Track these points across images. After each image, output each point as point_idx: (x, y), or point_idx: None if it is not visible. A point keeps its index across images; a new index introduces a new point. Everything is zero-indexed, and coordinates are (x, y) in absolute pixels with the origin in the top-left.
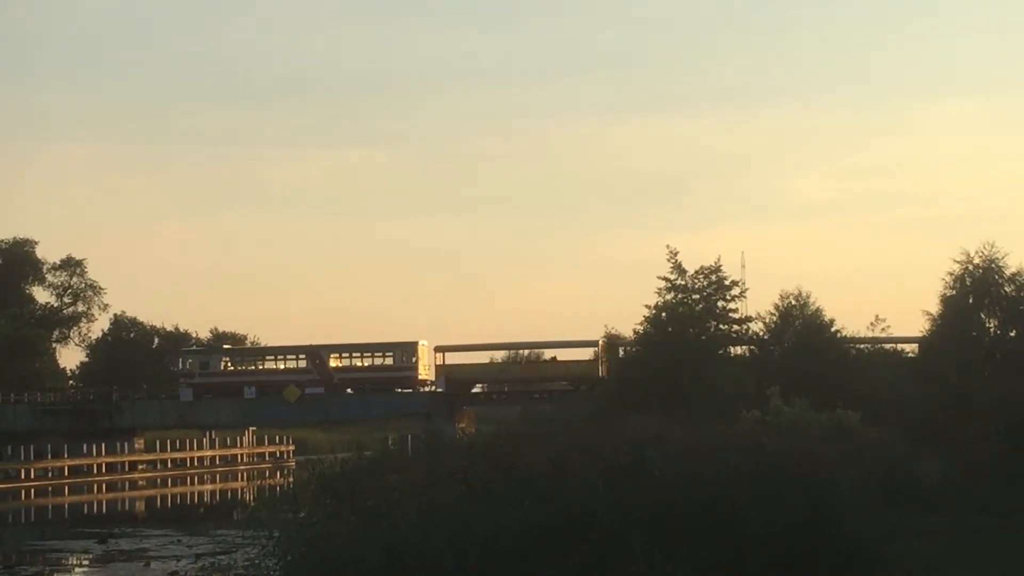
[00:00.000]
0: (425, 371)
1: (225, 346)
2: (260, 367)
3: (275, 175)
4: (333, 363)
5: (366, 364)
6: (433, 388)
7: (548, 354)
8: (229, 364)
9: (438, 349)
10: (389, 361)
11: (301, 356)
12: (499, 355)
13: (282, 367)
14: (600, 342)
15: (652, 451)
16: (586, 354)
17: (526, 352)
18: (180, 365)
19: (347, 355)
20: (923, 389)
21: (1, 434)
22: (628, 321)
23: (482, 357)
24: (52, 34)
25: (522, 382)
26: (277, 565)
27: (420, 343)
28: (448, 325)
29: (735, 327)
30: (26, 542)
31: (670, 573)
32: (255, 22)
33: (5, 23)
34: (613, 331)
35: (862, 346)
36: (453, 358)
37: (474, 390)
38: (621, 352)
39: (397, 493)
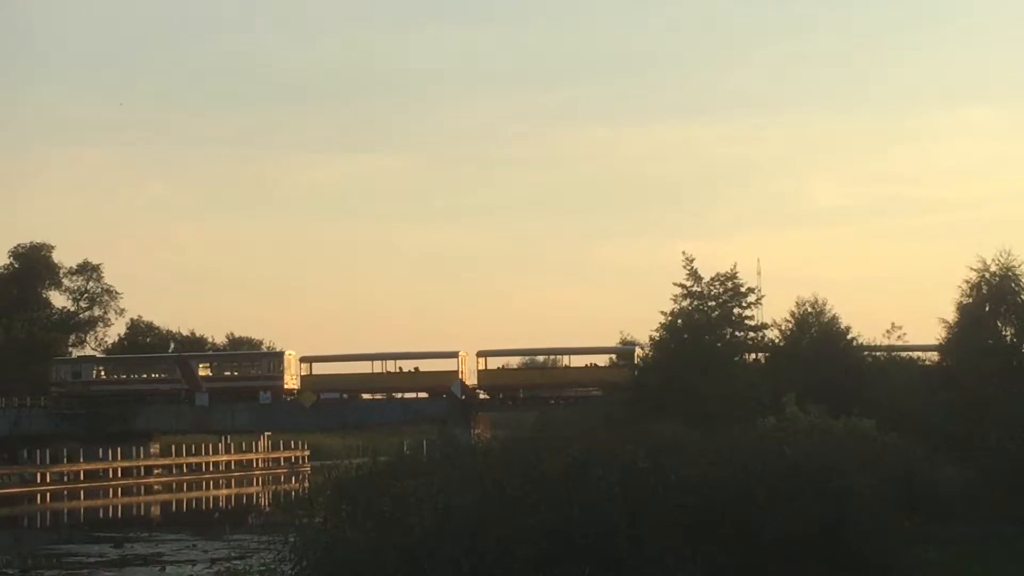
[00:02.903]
0: (292, 380)
1: (98, 355)
2: (131, 376)
3: (292, 179)
4: (202, 372)
5: (235, 373)
6: (296, 397)
7: (410, 365)
8: (101, 372)
9: (304, 360)
10: (257, 371)
11: (171, 365)
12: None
13: (153, 376)
14: (460, 353)
15: (669, 456)
16: (449, 364)
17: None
18: (53, 375)
19: (216, 364)
20: (940, 396)
21: (17, 438)
22: (644, 327)
23: (350, 367)
24: (68, 37)
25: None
26: (292, 570)
27: (287, 353)
28: (461, 330)
29: (751, 334)
30: (42, 546)
31: None
32: (273, 26)
33: (20, 26)
34: (628, 337)
35: (878, 354)
36: (320, 368)
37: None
38: (486, 363)
39: (413, 498)
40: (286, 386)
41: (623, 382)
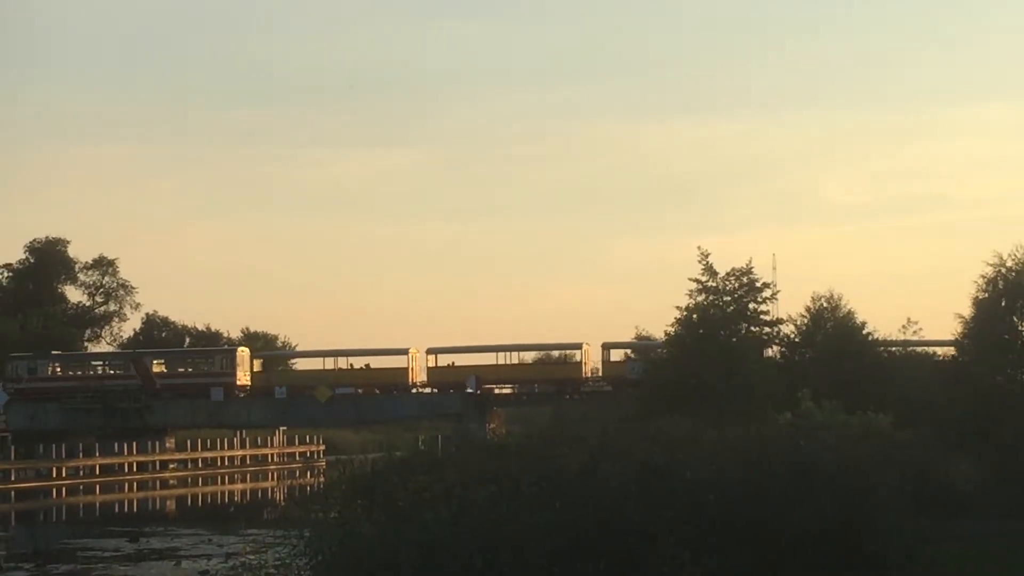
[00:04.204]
0: (244, 377)
1: (53, 352)
2: (86, 372)
3: (307, 175)
4: (156, 368)
5: (188, 370)
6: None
7: (362, 362)
8: (57, 369)
9: (256, 356)
10: (210, 368)
11: (126, 361)
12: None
13: (109, 372)
14: (411, 350)
15: (683, 453)
16: (400, 362)
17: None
18: (9, 370)
19: (170, 361)
20: (955, 392)
21: (33, 433)
22: (659, 323)
23: (304, 364)
24: (83, 35)
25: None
26: (308, 565)
27: (239, 349)
28: (477, 327)
29: (766, 329)
30: (58, 540)
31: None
32: (287, 23)
33: (34, 24)
34: (643, 333)
35: (894, 349)
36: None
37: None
38: (435, 360)
39: (428, 493)
40: (238, 382)
41: (575, 378)
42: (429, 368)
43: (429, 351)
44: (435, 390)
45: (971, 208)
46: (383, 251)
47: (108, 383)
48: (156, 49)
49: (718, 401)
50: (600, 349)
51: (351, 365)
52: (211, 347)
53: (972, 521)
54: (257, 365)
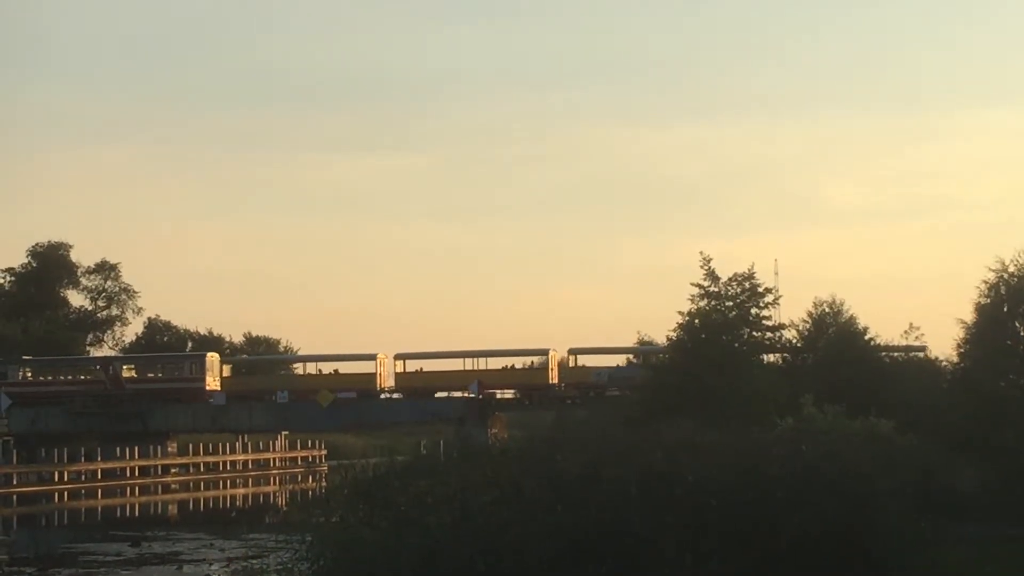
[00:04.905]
0: (213, 382)
1: (24, 357)
2: (57, 377)
3: (310, 178)
4: (126, 373)
5: (158, 375)
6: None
7: (330, 367)
8: (29, 374)
9: (225, 360)
10: (180, 373)
11: (96, 367)
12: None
13: (81, 377)
14: (379, 355)
15: (685, 456)
16: (368, 367)
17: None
18: None
19: (140, 366)
20: (957, 397)
21: (35, 437)
22: (661, 327)
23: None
24: (85, 37)
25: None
26: (310, 569)
27: (208, 355)
28: (480, 329)
29: (768, 334)
30: (60, 545)
31: None
32: (287, 23)
33: (37, 26)
34: (646, 337)
35: (896, 354)
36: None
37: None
38: (403, 365)
39: (430, 498)
40: (207, 387)
41: (542, 384)
42: (397, 374)
43: (397, 356)
44: (400, 395)
45: (974, 211)
46: (386, 254)
47: (78, 387)
48: (156, 49)
49: (720, 406)
50: (568, 355)
51: (319, 370)
52: (180, 353)
53: (974, 525)
54: (227, 370)
